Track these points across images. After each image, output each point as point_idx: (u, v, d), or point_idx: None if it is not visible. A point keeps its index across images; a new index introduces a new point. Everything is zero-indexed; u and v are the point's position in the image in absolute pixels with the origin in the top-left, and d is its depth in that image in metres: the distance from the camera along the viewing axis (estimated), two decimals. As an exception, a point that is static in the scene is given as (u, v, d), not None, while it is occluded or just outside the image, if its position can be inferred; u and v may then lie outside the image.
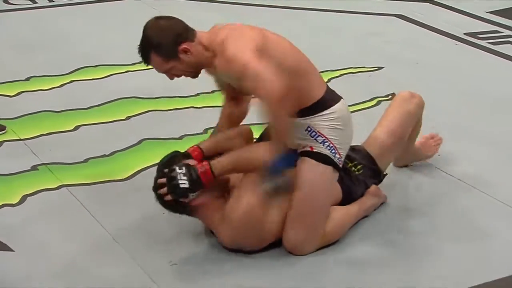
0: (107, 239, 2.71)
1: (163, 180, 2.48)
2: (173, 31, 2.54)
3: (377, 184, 2.85)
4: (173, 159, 2.56)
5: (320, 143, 2.55)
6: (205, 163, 2.49)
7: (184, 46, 2.52)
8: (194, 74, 2.63)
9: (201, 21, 4.79)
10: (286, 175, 2.51)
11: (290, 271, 2.52)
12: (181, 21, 2.61)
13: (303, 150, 2.58)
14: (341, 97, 2.68)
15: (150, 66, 2.62)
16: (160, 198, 2.52)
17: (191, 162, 2.52)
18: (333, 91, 2.69)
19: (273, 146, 2.50)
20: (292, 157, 2.57)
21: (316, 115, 2.56)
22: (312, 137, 2.56)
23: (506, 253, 2.66)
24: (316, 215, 2.57)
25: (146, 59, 2.58)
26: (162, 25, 2.57)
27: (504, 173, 3.17)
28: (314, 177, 2.55)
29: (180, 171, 2.45)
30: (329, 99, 2.61)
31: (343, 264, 2.57)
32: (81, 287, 2.46)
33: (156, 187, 2.52)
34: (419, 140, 3.13)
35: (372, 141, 2.87)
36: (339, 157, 2.59)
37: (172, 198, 2.48)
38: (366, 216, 2.80)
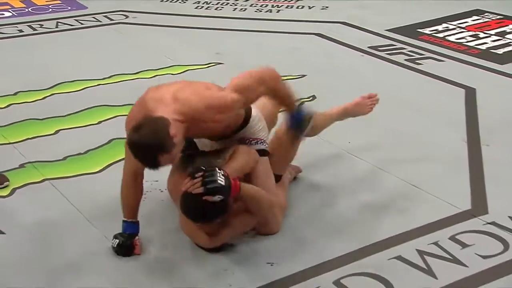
0: (82, 220, 2.67)
1: (200, 173, 2.24)
2: (158, 130, 2.16)
3: None
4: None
5: (255, 144, 2.55)
6: (237, 179, 2.32)
7: (172, 132, 2.17)
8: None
9: (161, 43, 4.85)
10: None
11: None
12: (153, 119, 2.20)
13: None
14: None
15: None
16: (188, 195, 2.25)
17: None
18: None
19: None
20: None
21: (245, 128, 2.53)
22: (246, 143, 2.53)
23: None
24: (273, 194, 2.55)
25: (156, 165, 2.19)
26: (148, 132, 2.15)
27: (403, 156, 3.22)
28: (262, 168, 2.53)
29: (220, 171, 2.26)
30: (248, 112, 2.54)
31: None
32: (61, 261, 2.43)
33: (193, 173, 2.24)
34: (356, 98, 3.05)
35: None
36: (267, 145, 2.61)
37: (203, 191, 2.21)
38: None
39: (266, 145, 2.60)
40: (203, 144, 2.56)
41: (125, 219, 2.46)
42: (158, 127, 2.16)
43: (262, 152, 2.56)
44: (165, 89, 2.35)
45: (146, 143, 2.14)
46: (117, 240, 2.43)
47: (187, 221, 2.39)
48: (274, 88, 2.44)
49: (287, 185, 2.81)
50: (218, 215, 2.29)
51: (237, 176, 2.36)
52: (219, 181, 2.22)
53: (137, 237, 2.45)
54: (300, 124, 2.60)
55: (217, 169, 2.25)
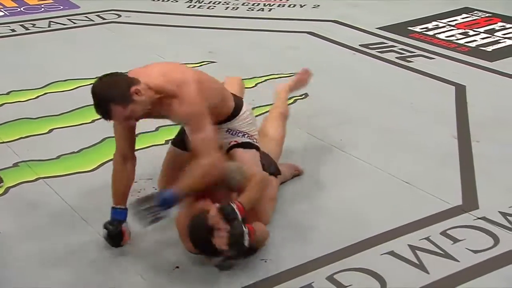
0: (76, 218, 2.66)
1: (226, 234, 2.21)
2: (119, 81, 2.24)
3: None
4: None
5: (241, 136, 2.57)
6: (245, 212, 2.29)
7: (134, 88, 2.21)
8: (149, 115, 2.34)
9: (153, 42, 4.83)
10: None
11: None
12: (122, 73, 2.31)
13: (230, 145, 2.56)
14: (242, 99, 2.69)
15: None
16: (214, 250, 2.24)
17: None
18: (238, 97, 2.67)
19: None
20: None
21: (233, 120, 2.56)
22: (233, 135, 2.56)
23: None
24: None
25: (107, 114, 2.24)
26: (108, 80, 2.25)
27: (394, 152, 3.23)
28: (249, 159, 2.54)
29: (245, 229, 2.23)
30: (238, 106, 2.59)
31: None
32: (56, 259, 2.41)
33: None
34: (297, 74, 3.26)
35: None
36: (256, 140, 2.62)
37: (227, 249, 2.21)
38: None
39: (254, 140, 2.60)
40: None
41: (114, 205, 2.46)
42: (120, 79, 2.24)
43: (248, 145, 2.56)
44: (152, 65, 2.40)
45: (101, 90, 2.22)
46: (106, 231, 2.44)
47: (182, 225, 2.37)
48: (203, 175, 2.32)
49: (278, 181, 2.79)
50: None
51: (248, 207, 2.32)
52: (245, 242, 2.22)
53: (124, 224, 2.45)
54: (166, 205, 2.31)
55: (246, 233, 2.22)
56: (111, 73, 2.29)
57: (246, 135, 2.58)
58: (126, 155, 2.45)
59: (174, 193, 2.26)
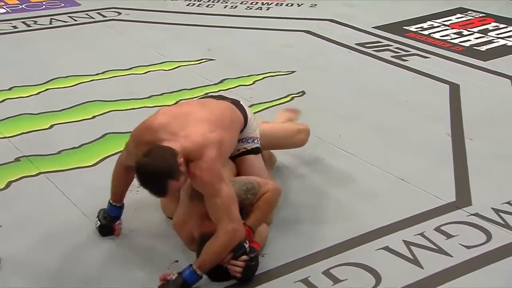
0: (77, 214, 2.65)
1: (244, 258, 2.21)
2: (167, 156, 2.14)
3: None
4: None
5: (251, 142, 2.59)
6: (252, 234, 2.30)
7: (179, 160, 2.15)
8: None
9: (153, 40, 4.83)
10: None
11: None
12: (163, 146, 2.18)
13: (239, 152, 2.56)
14: (242, 104, 2.61)
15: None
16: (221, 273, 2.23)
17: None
18: (240, 103, 2.60)
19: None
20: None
21: (244, 130, 2.56)
22: (243, 142, 2.57)
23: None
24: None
25: (165, 191, 2.16)
26: (159, 155, 2.14)
27: (389, 149, 3.24)
28: (259, 165, 2.58)
29: (256, 254, 2.25)
30: (245, 116, 2.56)
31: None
32: (57, 253, 2.41)
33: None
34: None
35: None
36: (259, 141, 2.64)
37: (241, 275, 2.21)
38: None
39: (259, 142, 2.62)
40: None
41: (111, 201, 2.49)
42: (167, 154, 2.14)
43: (257, 150, 2.59)
44: (176, 121, 2.29)
45: (156, 168, 2.11)
46: (99, 222, 2.48)
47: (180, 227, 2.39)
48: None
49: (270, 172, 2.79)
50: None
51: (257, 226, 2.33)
52: (254, 267, 2.22)
53: (118, 222, 2.49)
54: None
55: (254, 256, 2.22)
56: (153, 149, 2.16)
57: (256, 140, 2.60)
58: (129, 167, 2.39)
59: (195, 275, 2.18)
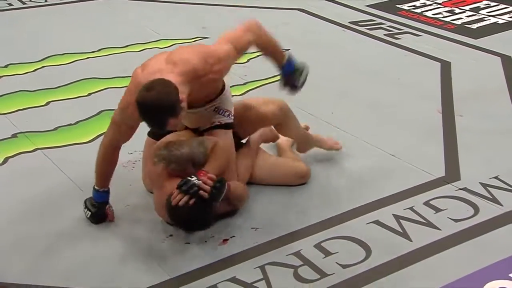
0: (74, 189, 2.65)
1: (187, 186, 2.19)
2: (170, 91, 2.08)
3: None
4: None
5: (226, 116, 2.48)
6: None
7: (181, 96, 2.10)
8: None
9: (148, 18, 4.78)
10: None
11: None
12: (166, 81, 2.11)
13: (213, 125, 2.47)
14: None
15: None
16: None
17: None
18: None
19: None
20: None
21: (219, 97, 2.46)
22: (220, 114, 2.46)
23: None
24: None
25: (164, 126, 2.13)
26: (160, 92, 2.07)
27: (380, 126, 3.23)
28: (226, 140, 2.46)
29: (199, 181, 2.21)
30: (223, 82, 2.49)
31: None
32: (54, 229, 2.41)
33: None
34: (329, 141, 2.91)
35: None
36: (233, 116, 2.52)
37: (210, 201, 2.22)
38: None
39: (232, 117, 2.51)
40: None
41: (97, 188, 2.40)
42: (170, 89, 2.08)
43: (230, 126, 2.49)
44: (155, 61, 2.28)
45: (159, 103, 2.05)
46: (89, 212, 2.40)
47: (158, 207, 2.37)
48: (260, 35, 2.44)
49: (255, 150, 2.68)
50: (207, 218, 2.27)
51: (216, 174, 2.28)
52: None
53: (108, 205, 2.42)
54: (293, 72, 2.52)
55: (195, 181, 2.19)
56: (156, 83, 2.09)
57: (231, 114, 2.48)
58: (118, 146, 2.37)
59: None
